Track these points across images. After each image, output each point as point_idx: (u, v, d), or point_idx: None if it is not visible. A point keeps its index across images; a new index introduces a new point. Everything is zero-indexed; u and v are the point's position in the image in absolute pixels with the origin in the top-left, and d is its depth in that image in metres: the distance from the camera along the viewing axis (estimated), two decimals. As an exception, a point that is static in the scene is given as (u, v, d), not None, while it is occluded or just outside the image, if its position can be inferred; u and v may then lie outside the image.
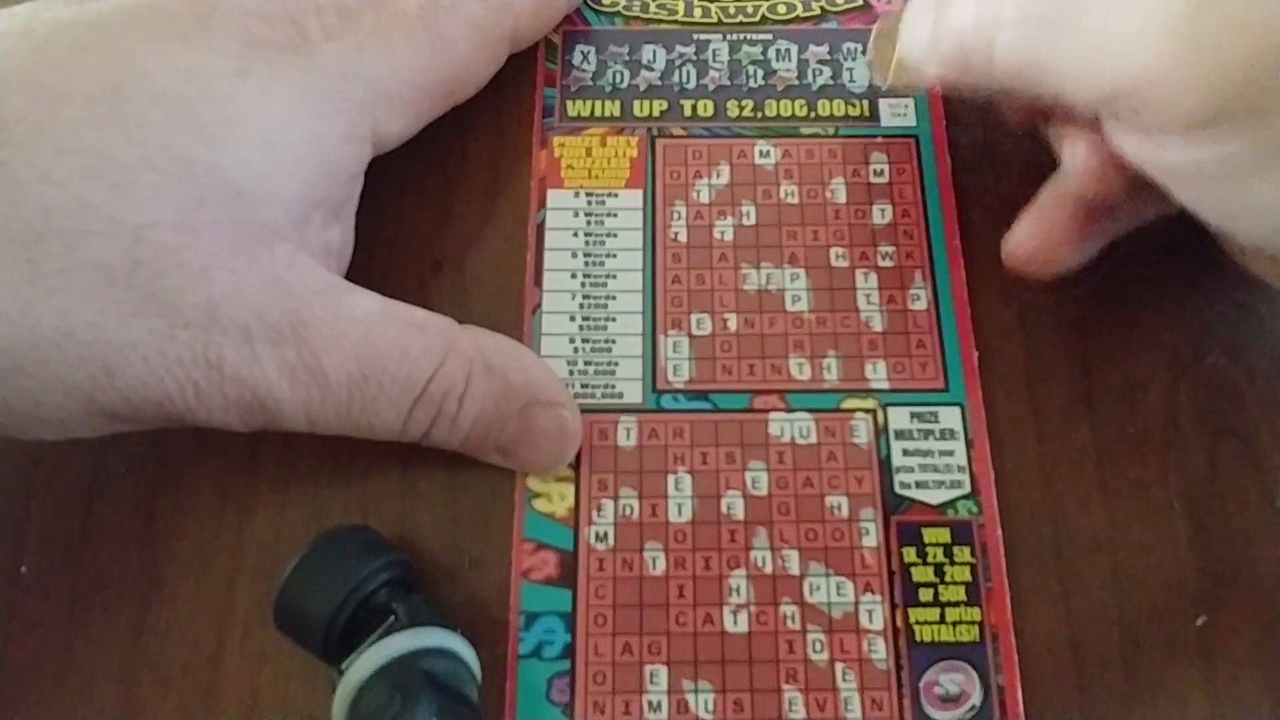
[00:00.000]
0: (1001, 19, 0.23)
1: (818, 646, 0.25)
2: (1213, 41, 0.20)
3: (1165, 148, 0.22)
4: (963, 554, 0.26)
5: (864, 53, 0.31)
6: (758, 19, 0.32)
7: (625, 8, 0.32)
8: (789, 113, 0.30)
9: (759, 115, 0.30)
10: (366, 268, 0.28)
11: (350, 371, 0.23)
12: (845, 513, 0.26)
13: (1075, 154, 0.25)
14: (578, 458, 0.27)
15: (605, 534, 0.26)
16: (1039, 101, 0.25)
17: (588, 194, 0.29)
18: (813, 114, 0.30)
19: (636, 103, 0.31)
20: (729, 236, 0.29)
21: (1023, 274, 0.27)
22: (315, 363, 0.23)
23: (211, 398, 0.22)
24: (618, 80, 0.31)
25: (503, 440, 0.25)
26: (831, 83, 0.31)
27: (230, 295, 0.22)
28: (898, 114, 0.30)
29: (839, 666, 0.25)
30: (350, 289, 0.25)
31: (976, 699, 0.24)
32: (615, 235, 0.29)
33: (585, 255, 0.29)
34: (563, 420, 0.26)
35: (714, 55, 0.31)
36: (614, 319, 0.28)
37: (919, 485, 0.26)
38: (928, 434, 0.27)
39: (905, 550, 0.26)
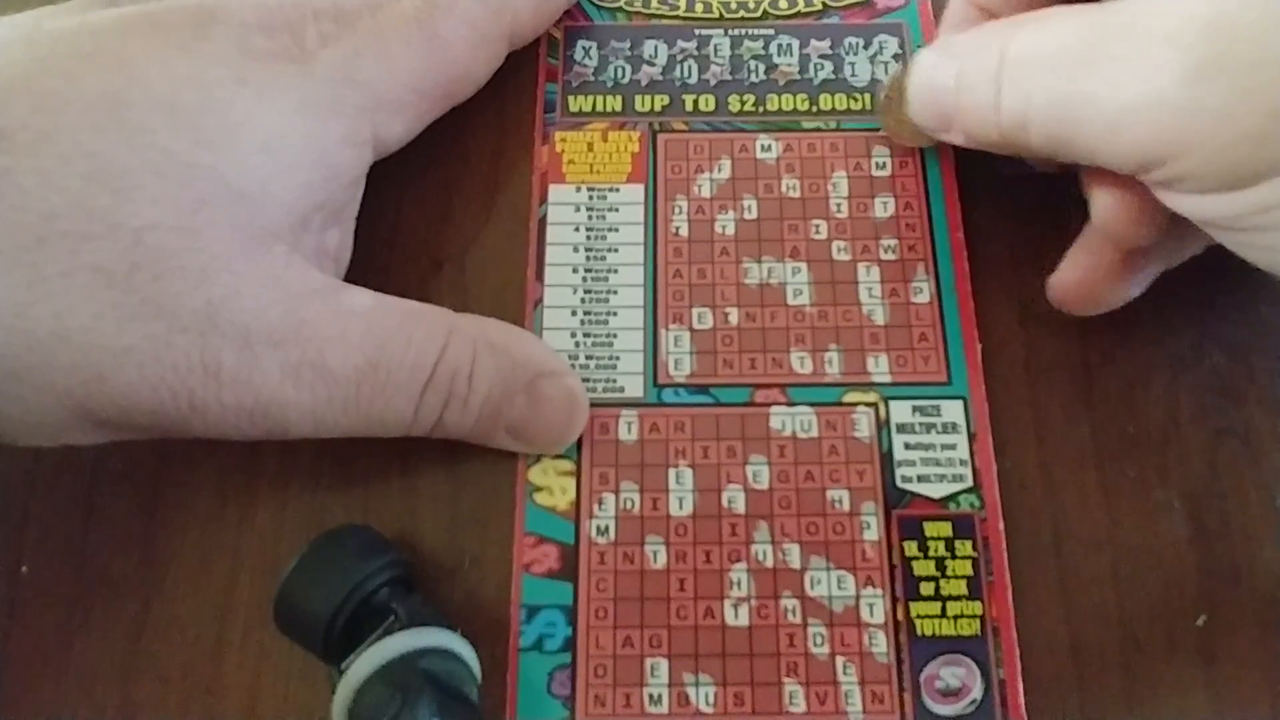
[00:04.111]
0: (1030, 103, 0.23)
1: (818, 640, 0.25)
2: (1222, 108, 0.20)
3: (1202, 203, 0.22)
4: (964, 548, 0.25)
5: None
6: (759, 14, 0.32)
7: (627, 3, 0.32)
8: (790, 107, 0.30)
9: (760, 110, 0.30)
10: (367, 266, 0.28)
11: (357, 364, 0.23)
12: (846, 506, 0.26)
13: (1104, 206, 0.25)
14: (579, 451, 0.27)
15: (606, 528, 0.26)
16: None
17: (589, 189, 0.29)
18: (814, 108, 0.30)
19: (638, 98, 0.31)
20: (730, 231, 0.29)
21: (1069, 311, 0.27)
22: (320, 360, 0.23)
23: (207, 405, 0.22)
24: (619, 75, 0.31)
25: (513, 417, 0.25)
26: (833, 77, 0.31)
27: (229, 298, 0.22)
28: (900, 107, 0.30)
29: (840, 660, 0.25)
30: (345, 287, 0.25)
31: (977, 692, 0.24)
32: (617, 230, 0.29)
33: (587, 250, 0.29)
34: (569, 388, 0.26)
35: (715, 50, 0.31)
36: (615, 313, 0.28)
37: (920, 479, 0.26)
38: (930, 427, 0.27)
39: (906, 544, 0.26)
